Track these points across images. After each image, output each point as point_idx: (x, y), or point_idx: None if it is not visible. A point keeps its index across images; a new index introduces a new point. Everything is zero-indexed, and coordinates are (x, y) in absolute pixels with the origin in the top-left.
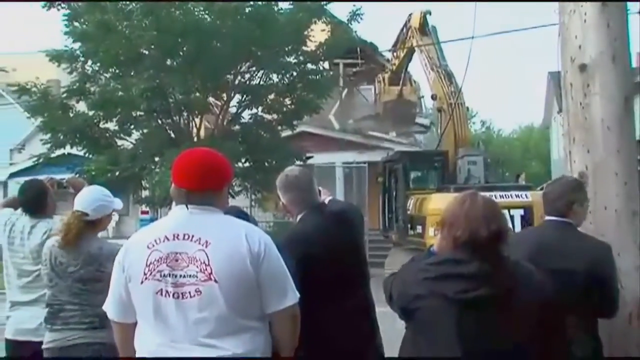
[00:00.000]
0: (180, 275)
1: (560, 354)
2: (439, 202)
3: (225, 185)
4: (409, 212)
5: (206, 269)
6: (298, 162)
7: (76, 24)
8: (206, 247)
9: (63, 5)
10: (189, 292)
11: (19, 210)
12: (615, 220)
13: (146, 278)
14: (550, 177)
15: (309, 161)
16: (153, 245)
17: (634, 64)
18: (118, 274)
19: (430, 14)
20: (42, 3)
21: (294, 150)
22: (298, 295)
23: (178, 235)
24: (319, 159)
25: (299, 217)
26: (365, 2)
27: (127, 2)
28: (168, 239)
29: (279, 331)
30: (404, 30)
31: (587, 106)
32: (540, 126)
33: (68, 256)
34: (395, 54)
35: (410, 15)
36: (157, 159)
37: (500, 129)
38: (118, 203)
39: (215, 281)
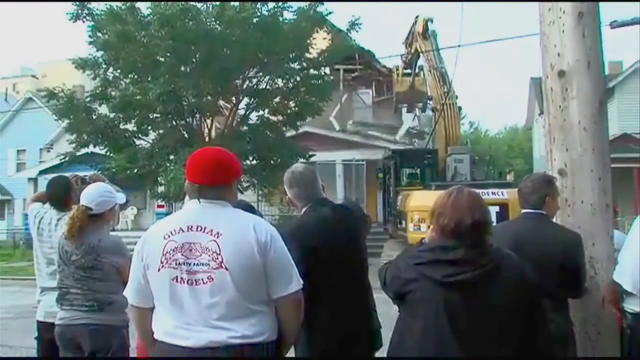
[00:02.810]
0: (194, 264)
1: (542, 330)
2: (419, 200)
3: (234, 180)
4: (398, 208)
5: (217, 258)
6: (302, 160)
7: (99, 34)
8: (217, 237)
9: (88, 17)
10: (202, 279)
11: (47, 205)
12: (591, 213)
13: (163, 266)
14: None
15: (311, 159)
16: (169, 236)
17: (607, 72)
18: (137, 262)
19: (432, 21)
20: (69, 16)
21: (297, 149)
22: (302, 282)
23: (192, 227)
24: (321, 157)
25: (303, 210)
26: (364, 1)
27: (145, 15)
28: (183, 230)
29: (284, 315)
30: (412, 30)
31: (565, 109)
32: (524, 127)
33: (72, 246)
34: (406, 48)
35: (416, 17)
36: (172, 157)
37: (487, 129)
38: (121, 198)
39: (226, 269)
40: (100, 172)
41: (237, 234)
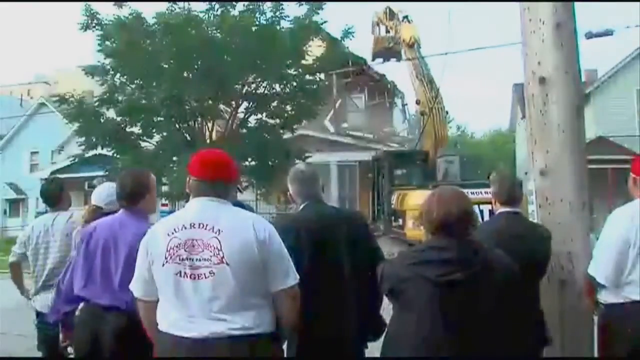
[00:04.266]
0: (196, 259)
1: (530, 321)
2: (417, 199)
3: (233, 180)
4: (392, 206)
5: (219, 254)
6: (298, 161)
7: (107, 42)
8: (218, 234)
9: (97, 27)
10: (204, 274)
11: (43, 217)
12: (569, 210)
13: (167, 261)
14: (515, 175)
15: (307, 160)
16: (172, 233)
17: (583, 79)
18: (143, 258)
19: (419, 42)
20: (80, 25)
21: (294, 151)
22: (298, 277)
23: (194, 224)
24: (316, 158)
25: (300, 207)
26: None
27: (150, 24)
28: (186, 228)
29: (282, 308)
30: (389, 23)
31: (546, 113)
32: (507, 130)
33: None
34: (386, 21)
35: (401, 22)
36: (175, 158)
37: (473, 132)
38: None
39: (227, 264)
40: (107, 172)
41: (237, 230)
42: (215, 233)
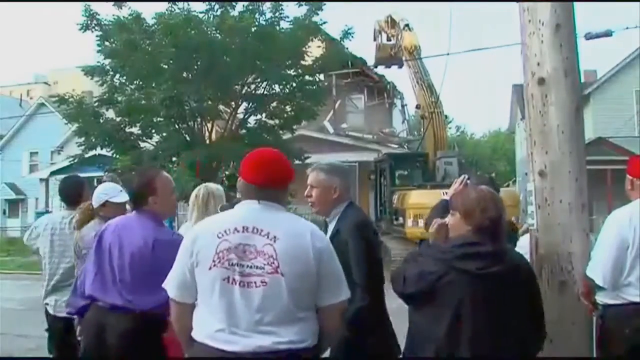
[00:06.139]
0: (248, 266)
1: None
2: (417, 198)
3: (287, 183)
4: (394, 206)
5: (273, 263)
6: (297, 162)
7: (107, 43)
8: (274, 242)
9: (96, 27)
10: (255, 282)
11: (56, 214)
12: (568, 211)
13: (214, 265)
14: (515, 175)
15: (307, 161)
16: (222, 235)
17: (583, 79)
18: (185, 258)
19: (420, 48)
20: (79, 26)
21: (293, 152)
22: (349, 292)
23: (247, 228)
24: (315, 159)
25: (344, 205)
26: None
27: (150, 25)
28: (238, 231)
29: (328, 322)
30: (391, 31)
31: (545, 114)
32: (506, 131)
33: (81, 241)
34: (387, 29)
35: (402, 30)
36: (174, 158)
37: (473, 133)
38: (123, 196)
39: (282, 274)
40: (107, 172)
41: (294, 240)
42: (271, 240)
